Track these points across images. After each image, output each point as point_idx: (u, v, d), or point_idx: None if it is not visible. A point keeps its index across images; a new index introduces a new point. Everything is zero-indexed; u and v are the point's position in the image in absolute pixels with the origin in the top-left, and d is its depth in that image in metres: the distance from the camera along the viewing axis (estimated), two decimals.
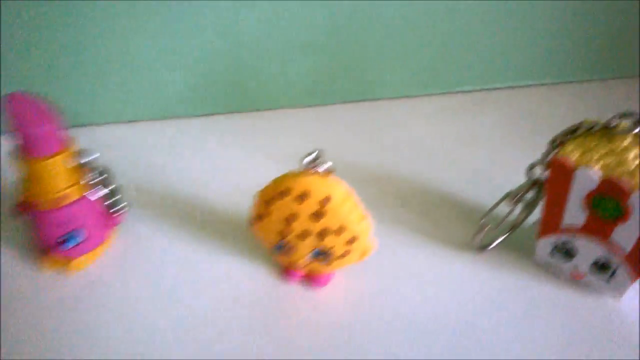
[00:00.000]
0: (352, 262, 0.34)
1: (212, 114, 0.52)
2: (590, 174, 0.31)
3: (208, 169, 0.46)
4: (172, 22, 0.46)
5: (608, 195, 0.31)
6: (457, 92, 0.57)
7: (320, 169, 0.31)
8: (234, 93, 0.52)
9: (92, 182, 0.34)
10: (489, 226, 0.37)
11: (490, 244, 0.39)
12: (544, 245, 0.36)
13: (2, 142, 0.45)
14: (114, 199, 0.36)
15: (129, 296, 0.35)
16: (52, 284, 0.35)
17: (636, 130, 0.30)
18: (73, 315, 0.33)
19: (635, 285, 0.34)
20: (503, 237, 0.39)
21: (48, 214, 0.33)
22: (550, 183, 0.33)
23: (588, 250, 0.34)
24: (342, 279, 0.36)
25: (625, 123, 0.31)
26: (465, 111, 0.54)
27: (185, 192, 0.43)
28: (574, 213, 0.33)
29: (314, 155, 0.31)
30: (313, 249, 0.34)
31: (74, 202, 0.34)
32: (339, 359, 0.32)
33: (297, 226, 0.33)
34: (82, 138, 0.35)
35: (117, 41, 0.46)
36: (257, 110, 0.53)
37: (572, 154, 0.32)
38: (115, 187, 0.36)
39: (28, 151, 0.31)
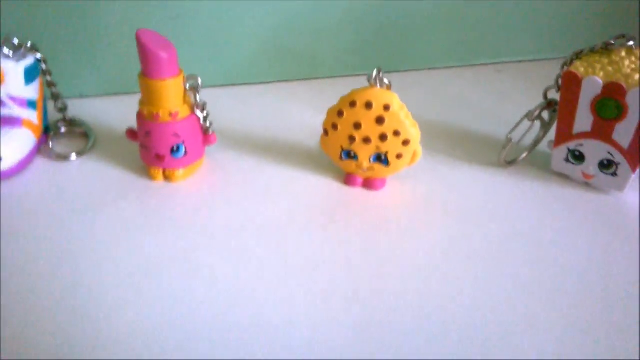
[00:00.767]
0: (405, 165, 0.43)
1: (274, 82, 0.62)
2: (595, 80, 0.39)
3: (279, 120, 0.55)
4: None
5: (609, 96, 0.39)
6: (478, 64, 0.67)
7: (381, 84, 0.40)
8: (293, 62, 0.62)
9: (197, 103, 0.43)
10: (513, 141, 0.45)
11: (515, 160, 0.47)
12: (559, 153, 0.44)
13: None
14: (209, 122, 0.45)
15: (219, 203, 0.43)
16: (160, 191, 0.44)
17: (629, 43, 0.39)
18: (175, 218, 0.42)
19: (635, 178, 0.42)
20: (525, 154, 0.47)
21: (166, 125, 0.42)
22: (563, 94, 0.42)
23: (595, 151, 0.42)
24: (396, 184, 0.45)
25: (621, 41, 0.40)
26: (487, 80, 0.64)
27: (261, 133, 0.52)
28: (583, 120, 0.41)
29: (375, 72, 0.40)
30: (374, 153, 0.42)
31: (186, 117, 0.42)
32: (393, 250, 0.39)
33: (363, 132, 0.41)
34: None
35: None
36: (314, 78, 0.63)
37: (579, 68, 0.40)
38: (209, 112, 0.45)
39: (154, 73, 0.40)
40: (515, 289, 0.35)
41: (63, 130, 0.50)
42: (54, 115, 0.51)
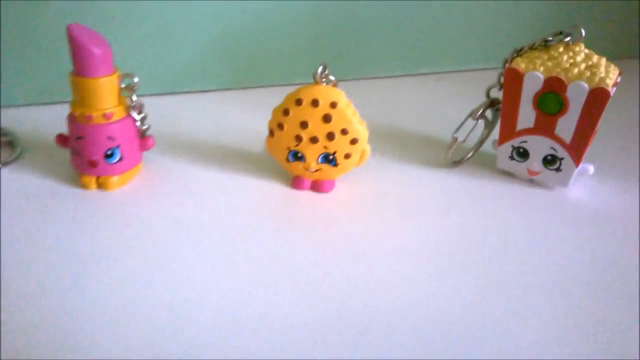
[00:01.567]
0: (354, 165, 0.42)
1: (216, 90, 0.60)
2: (536, 75, 0.40)
3: (222, 128, 0.53)
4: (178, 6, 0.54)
5: (551, 91, 0.40)
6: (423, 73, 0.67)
7: (327, 81, 0.39)
8: (236, 70, 0.60)
9: (133, 104, 0.41)
10: (459, 140, 0.45)
11: (461, 160, 0.47)
12: (504, 151, 0.44)
13: None
14: (146, 125, 0.42)
15: (159, 210, 0.40)
16: (93, 200, 0.41)
17: (566, 39, 0.40)
18: (110, 229, 0.39)
19: (578, 173, 0.43)
20: (471, 154, 0.47)
21: (100, 127, 0.39)
22: (505, 90, 0.42)
23: (538, 147, 0.43)
24: (344, 186, 0.43)
25: (558, 37, 0.41)
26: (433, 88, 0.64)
27: (203, 141, 0.50)
28: (526, 115, 0.42)
29: (321, 68, 0.39)
30: (322, 153, 0.41)
31: (121, 119, 0.40)
32: (344, 249, 0.38)
33: (310, 131, 0.40)
34: None
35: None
36: (258, 86, 0.62)
37: (520, 64, 0.41)
38: (146, 115, 0.42)
39: (87, 71, 0.38)
40: (464, 283, 0.34)
41: None
42: None
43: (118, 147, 0.40)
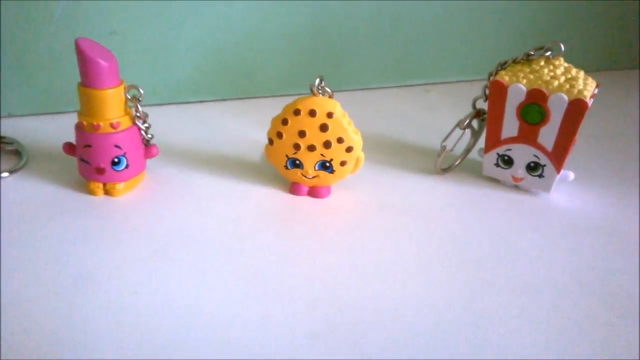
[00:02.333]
0: (349, 172, 0.44)
1: (214, 100, 0.62)
2: (519, 87, 0.43)
3: (220, 136, 0.55)
4: (174, 17, 0.56)
5: (533, 102, 0.43)
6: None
7: (323, 92, 0.42)
8: (233, 81, 0.62)
9: (138, 114, 0.43)
10: (447, 148, 0.47)
11: (450, 168, 0.49)
12: (490, 158, 0.47)
13: None
14: (150, 134, 0.44)
15: (163, 215, 0.42)
16: (100, 205, 0.42)
17: (547, 54, 0.43)
18: (116, 234, 0.40)
19: (559, 179, 0.45)
20: (459, 161, 0.50)
21: (107, 136, 0.41)
22: (490, 101, 0.45)
23: (522, 155, 0.45)
24: (340, 192, 0.46)
25: (540, 51, 0.43)
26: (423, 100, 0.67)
27: (203, 149, 0.52)
28: (510, 125, 0.45)
29: (318, 80, 0.41)
30: (319, 160, 0.43)
31: (127, 128, 0.42)
32: (340, 252, 0.40)
33: (307, 139, 0.42)
34: None
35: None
36: (254, 97, 0.64)
37: (504, 77, 0.44)
38: (150, 124, 0.44)
39: (95, 83, 0.40)
40: (453, 285, 0.36)
41: None
42: None
43: (124, 155, 0.42)
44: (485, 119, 0.47)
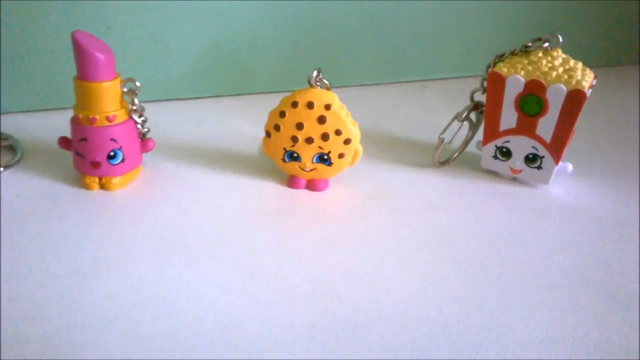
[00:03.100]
0: (347, 165, 0.44)
1: (210, 97, 0.62)
2: (517, 78, 0.42)
3: (217, 132, 0.55)
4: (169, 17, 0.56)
5: (531, 93, 0.42)
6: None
7: (321, 84, 0.41)
8: (229, 78, 0.62)
9: (134, 107, 0.42)
10: (445, 141, 0.47)
11: (448, 161, 0.49)
12: (488, 150, 0.47)
13: None
14: (146, 128, 0.44)
15: (159, 210, 0.42)
16: (96, 200, 0.42)
17: (545, 45, 0.43)
18: (113, 228, 0.40)
19: (557, 170, 0.45)
20: (457, 154, 0.50)
21: (103, 129, 0.41)
22: (488, 93, 0.44)
23: (520, 147, 0.45)
24: (338, 185, 0.45)
25: (537, 43, 0.43)
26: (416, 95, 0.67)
27: (200, 145, 0.52)
28: (508, 117, 0.44)
29: (316, 72, 0.41)
30: (317, 153, 0.43)
31: (123, 122, 0.41)
32: (338, 245, 0.40)
33: (305, 132, 0.42)
34: None
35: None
36: (250, 93, 0.64)
37: (502, 68, 0.44)
38: (146, 118, 0.44)
39: (91, 75, 0.39)
40: (453, 278, 0.36)
41: None
42: None
43: (120, 148, 0.42)
44: (483, 112, 0.47)
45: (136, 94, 0.42)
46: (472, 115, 0.49)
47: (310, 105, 0.41)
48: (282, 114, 0.42)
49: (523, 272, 0.36)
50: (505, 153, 0.46)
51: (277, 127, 0.43)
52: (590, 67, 0.43)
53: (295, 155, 0.43)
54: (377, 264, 0.36)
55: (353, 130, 0.42)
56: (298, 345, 0.30)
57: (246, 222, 0.40)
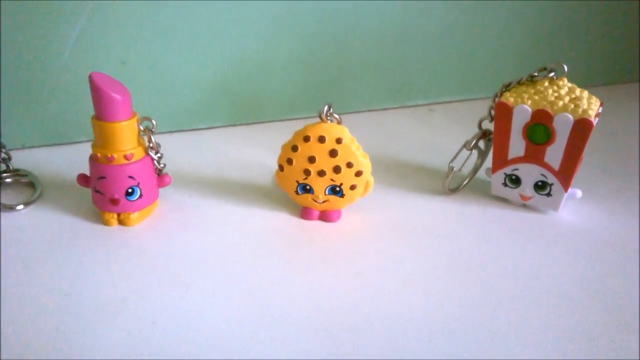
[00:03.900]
0: (359, 196, 0.44)
1: (221, 126, 0.63)
2: (524, 108, 0.43)
3: (229, 162, 0.56)
4: (182, 45, 0.58)
5: (538, 122, 0.43)
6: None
7: (332, 119, 0.42)
8: (239, 107, 0.63)
9: (151, 145, 0.43)
10: (454, 169, 0.48)
11: (458, 188, 0.50)
12: (497, 178, 0.48)
13: None
14: (162, 164, 0.45)
15: (176, 243, 0.43)
16: (114, 235, 0.43)
17: (550, 75, 0.44)
18: (131, 263, 0.41)
19: (567, 197, 0.46)
20: (467, 181, 0.50)
21: (121, 167, 0.42)
22: (496, 122, 0.45)
23: (529, 174, 0.46)
24: (350, 215, 0.46)
25: (543, 72, 0.44)
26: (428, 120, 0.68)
27: (213, 175, 0.53)
28: (516, 145, 0.45)
29: (327, 107, 0.42)
30: (329, 185, 0.44)
31: (140, 159, 0.43)
32: (352, 275, 0.41)
33: (317, 165, 0.43)
34: None
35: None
36: (260, 122, 0.65)
37: (509, 98, 0.44)
38: (162, 154, 0.45)
39: (109, 116, 0.40)
40: (465, 307, 0.37)
41: (8, 180, 0.49)
42: None
43: (138, 185, 0.43)
44: (492, 139, 0.47)
45: (152, 132, 0.43)
46: (481, 143, 0.49)
47: (321, 139, 0.42)
48: (295, 148, 0.43)
49: (534, 298, 0.37)
50: (515, 180, 0.47)
51: (289, 161, 0.44)
52: (594, 86, 0.44)
53: (308, 187, 0.44)
54: (389, 294, 0.37)
55: (364, 163, 0.43)
56: None
57: (261, 254, 0.41)
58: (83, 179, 0.44)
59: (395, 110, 0.71)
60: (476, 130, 0.49)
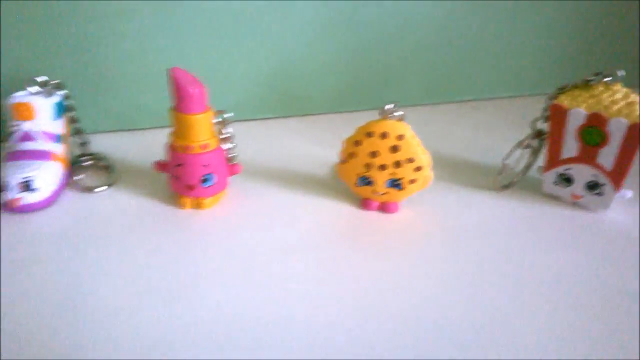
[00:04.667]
0: (417, 189, 0.47)
1: (270, 118, 0.67)
2: (580, 111, 0.45)
3: (286, 152, 0.59)
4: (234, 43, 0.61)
5: (593, 125, 0.45)
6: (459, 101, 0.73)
7: (395, 115, 0.45)
8: (289, 100, 0.66)
9: (224, 136, 0.47)
10: (508, 165, 0.50)
11: (510, 184, 0.52)
12: (549, 176, 0.50)
13: None
14: (234, 153, 0.48)
15: (245, 227, 0.46)
16: (190, 218, 0.47)
17: (606, 80, 0.45)
18: (204, 243, 0.45)
19: (618, 197, 0.48)
20: (518, 179, 0.52)
21: (197, 156, 0.45)
22: (551, 124, 0.47)
23: (581, 174, 0.48)
24: (408, 206, 0.49)
25: (598, 77, 0.46)
26: (470, 116, 0.70)
27: (272, 164, 0.56)
28: (570, 146, 0.47)
29: (391, 105, 0.45)
30: (389, 179, 0.46)
31: (214, 149, 0.46)
32: (409, 263, 0.44)
33: (379, 160, 0.46)
34: None
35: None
36: (309, 114, 0.68)
37: (564, 101, 0.46)
38: (234, 145, 0.48)
39: (188, 108, 0.44)
40: (515, 301, 0.39)
41: (87, 163, 0.53)
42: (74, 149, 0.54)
43: (212, 173, 0.46)
44: (545, 139, 0.49)
45: (226, 124, 0.46)
46: (534, 142, 0.51)
47: (384, 135, 0.45)
48: (357, 143, 0.46)
49: (582, 295, 0.39)
50: (567, 180, 0.49)
51: (352, 155, 0.46)
52: None
53: (368, 180, 0.47)
54: (445, 284, 0.40)
55: (424, 159, 0.46)
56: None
57: (323, 241, 0.44)
58: (161, 166, 0.48)
59: (437, 106, 0.72)
60: (520, 127, 0.50)
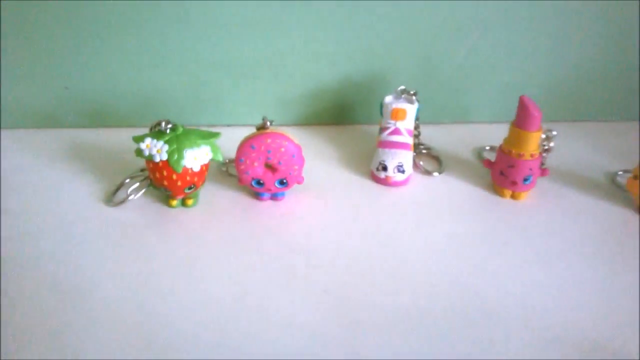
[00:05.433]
0: None
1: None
2: None
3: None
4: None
5: None
6: None
7: None
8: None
9: (547, 148, 0.62)
10: None
11: None
12: None
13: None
14: (544, 161, 0.63)
15: (552, 219, 0.61)
16: (507, 206, 0.63)
17: None
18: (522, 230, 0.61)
19: None
20: None
21: (526, 162, 0.61)
22: None
23: None
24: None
25: None
26: None
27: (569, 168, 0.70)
28: None
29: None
30: None
31: (537, 157, 0.61)
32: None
33: None
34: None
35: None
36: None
37: None
38: (550, 150, 0.63)
39: (529, 127, 0.59)
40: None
41: (423, 152, 0.71)
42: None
43: (532, 174, 0.62)
44: None
45: (552, 139, 0.61)
46: None
47: None
48: None
49: None
50: None
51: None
52: None
53: None
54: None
55: None
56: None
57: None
58: (489, 163, 0.64)
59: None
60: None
